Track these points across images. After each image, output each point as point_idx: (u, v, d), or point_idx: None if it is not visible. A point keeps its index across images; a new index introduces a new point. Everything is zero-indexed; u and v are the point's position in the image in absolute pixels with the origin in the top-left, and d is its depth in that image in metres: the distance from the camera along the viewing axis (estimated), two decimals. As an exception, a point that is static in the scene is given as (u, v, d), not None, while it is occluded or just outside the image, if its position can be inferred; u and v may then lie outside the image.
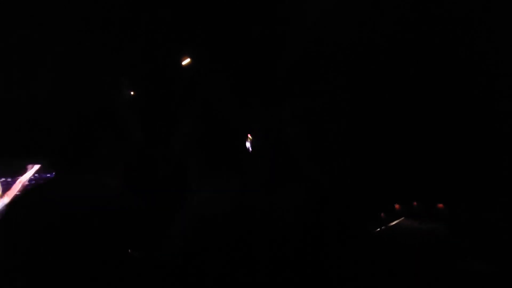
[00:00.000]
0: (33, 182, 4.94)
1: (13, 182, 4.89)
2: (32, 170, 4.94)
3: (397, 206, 3.54)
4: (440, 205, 3.18)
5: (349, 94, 4.38)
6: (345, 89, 4.42)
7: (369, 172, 3.76)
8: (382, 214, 3.61)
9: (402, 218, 3.23)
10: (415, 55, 4.22)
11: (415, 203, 3.19)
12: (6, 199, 4.65)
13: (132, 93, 6.26)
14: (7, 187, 4.87)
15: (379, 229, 3.27)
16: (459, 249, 2.96)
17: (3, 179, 4.82)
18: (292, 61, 5.02)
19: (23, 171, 5.03)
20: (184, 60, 5.90)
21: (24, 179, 4.83)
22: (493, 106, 3.86)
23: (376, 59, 4.44)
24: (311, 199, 2.31)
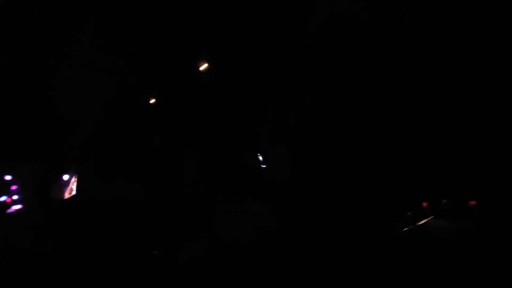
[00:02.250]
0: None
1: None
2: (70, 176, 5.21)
3: (424, 204, 3.36)
4: (472, 202, 2.99)
5: (377, 92, 4.26)
6: (370, 88, 4.30)
7: (394, 169, 3.59)
8: (408, 213, 3.44)
9: (431, 217, 3.05)
10: (433, 55, 4.08)
11: (444, 200, 3.02)
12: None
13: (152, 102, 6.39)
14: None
15: (405, 228, 3.10)
16: (492, 249, 2.77)
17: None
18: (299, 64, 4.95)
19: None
20: (201, 65, 5.91)
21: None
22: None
23: (391, 60, 4.31)
24: (330, 199, 2.21)
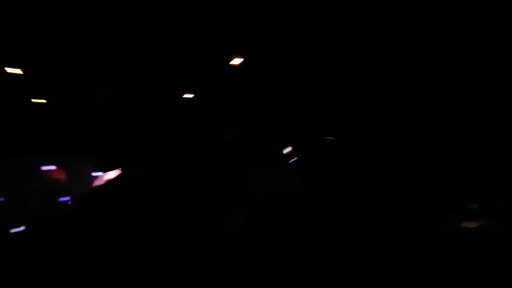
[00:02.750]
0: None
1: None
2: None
3: (473, 205, 3.01)
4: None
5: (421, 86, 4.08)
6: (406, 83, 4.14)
7: (440, 163, 3.23)
8: (454, 215, 3.09)
9: (482, 220, 2.71)
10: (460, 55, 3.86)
11: (497, 201, 2.65)
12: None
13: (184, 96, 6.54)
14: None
15: (450, 232, 2.78)
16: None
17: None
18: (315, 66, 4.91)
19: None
20: (232, 60, 5.92)
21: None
22: None
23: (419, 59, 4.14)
24: (361, 197, 2.00)
